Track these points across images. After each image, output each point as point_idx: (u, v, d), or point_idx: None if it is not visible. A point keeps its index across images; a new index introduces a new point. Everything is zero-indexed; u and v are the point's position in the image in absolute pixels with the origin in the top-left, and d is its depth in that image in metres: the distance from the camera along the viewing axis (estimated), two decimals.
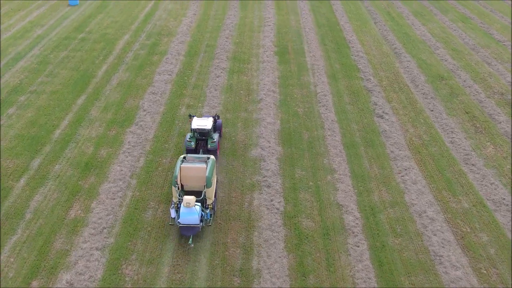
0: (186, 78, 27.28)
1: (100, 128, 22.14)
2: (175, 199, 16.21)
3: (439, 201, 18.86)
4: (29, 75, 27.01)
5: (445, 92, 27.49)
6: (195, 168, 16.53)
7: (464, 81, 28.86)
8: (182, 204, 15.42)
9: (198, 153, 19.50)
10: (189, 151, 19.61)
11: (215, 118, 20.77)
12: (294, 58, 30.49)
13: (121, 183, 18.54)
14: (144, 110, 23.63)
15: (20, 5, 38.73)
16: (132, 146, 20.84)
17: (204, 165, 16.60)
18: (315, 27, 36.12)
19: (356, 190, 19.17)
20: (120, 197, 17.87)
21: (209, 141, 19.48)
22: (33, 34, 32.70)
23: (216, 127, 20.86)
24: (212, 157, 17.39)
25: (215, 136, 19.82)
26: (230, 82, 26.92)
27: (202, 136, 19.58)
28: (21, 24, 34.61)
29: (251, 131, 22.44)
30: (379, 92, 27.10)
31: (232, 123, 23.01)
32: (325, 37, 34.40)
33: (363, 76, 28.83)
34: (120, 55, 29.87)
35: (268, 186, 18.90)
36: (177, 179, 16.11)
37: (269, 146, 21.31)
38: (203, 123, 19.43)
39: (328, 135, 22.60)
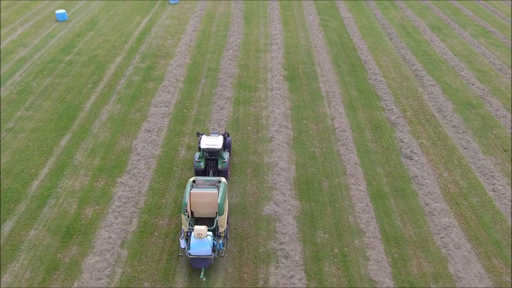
0: (185, 110, 24.08)
1: (85, 178, 18.94)
2: (184, 228, 14.99)
3: (490, 272, 15.78)
4: (7, 108, 23.73)
5: (477, 125, 24.43)
6: (206, 194, 15.31)
7: (497, 110, 25.81)
8: (192, 234, 14.29)
9: (208, 174, 18.31)
10: (198, 172, 18.38)
11: (225, 136, 19.39)
12: (306, 84, 27.34)
13: (108, 255, 15.35)
14: (138, 154, 20.42)
15: (3, 21, 35.38)
16: (123, 202, 17.66)
17: (215, 191, 15.34)
18: (326, 46, 32.99)
19: (390, 259, 16.07)
20: (107, 275, 14.69)
21: (219, 161, 18.25)
22: (15, 56, 29.37)
23: (225, 145, 19.56)
24: (223, 180, 16.06)
25: (226, 155, 18.55)
26: (236, 115, 23.73)
27: (211, 156, 18.24)
28: (3, 44, 31.28)
29: (263, 180, 19.29)
30: (403, 125, 24.01)
31: (240, 170, 19.85)
32: (339, 58, 31.28)
33: (384, 105, 25.73)
34: (112, 81, 26.62)
35: (286, 257, 15.76)
36: (186, 206, 14.89)
37: (285, 201, 18.17)
38: (213, 142, 18.13)
39: (352, 184, 19.48)
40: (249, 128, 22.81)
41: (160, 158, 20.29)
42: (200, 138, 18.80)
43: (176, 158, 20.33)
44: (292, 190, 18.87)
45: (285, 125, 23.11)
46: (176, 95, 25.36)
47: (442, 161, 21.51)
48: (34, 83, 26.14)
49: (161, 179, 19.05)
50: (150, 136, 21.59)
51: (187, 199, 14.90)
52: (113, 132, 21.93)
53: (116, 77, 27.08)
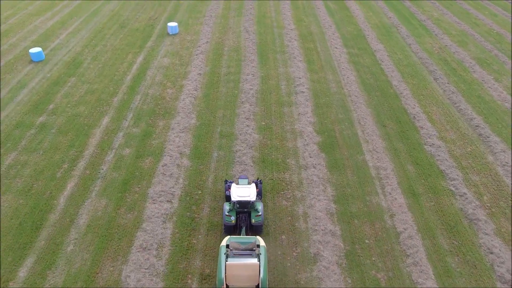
0: (194, 208, 17.87)
1: None
2: None
3: None
4: None
5: None
6: (245, 266, 13.17)
7: None
8: None
9: (239, 229, 16.11)
10: (228, 228, 16.16)
11: (257, 184, 17.35)
12: (348, 157, 21.21)
13: None
14: None
15: None
16: None
17: (255, 261, 13.28)
18: (362, 93, 26.88)
19: None
20: None
21: (253, 214, 16.05)
22: None
23: (257, 193, 17.22)
24: (262, 243, 14.18)
25: (259, 206, 16.25)
26: (263, 215, 17.54)
27: (243, 208, 16.13)
28: None
29: None
30: (485, 221, 17.98)
31: None
32: (381, 111, 25.19)
33: (452, 188, 19.70)
34: (95, 158, 20.32)
35: None
36: (223, 284, 12.82)
37: None
38: (245, 192, 16.00)
39: None
40: (283, 237, 16.63)
41: None
42: (229, 187, 16.79)
43: None
44: None
45: (331, 230, 16.96)
46: (181, 181, 19.12)
47: None
48: None
49: None
50: (148, 259, 15.36)
51: (223, 274, 12.90)
52: (94, 251, 15.66)
53: (101, 150, 20.77)
